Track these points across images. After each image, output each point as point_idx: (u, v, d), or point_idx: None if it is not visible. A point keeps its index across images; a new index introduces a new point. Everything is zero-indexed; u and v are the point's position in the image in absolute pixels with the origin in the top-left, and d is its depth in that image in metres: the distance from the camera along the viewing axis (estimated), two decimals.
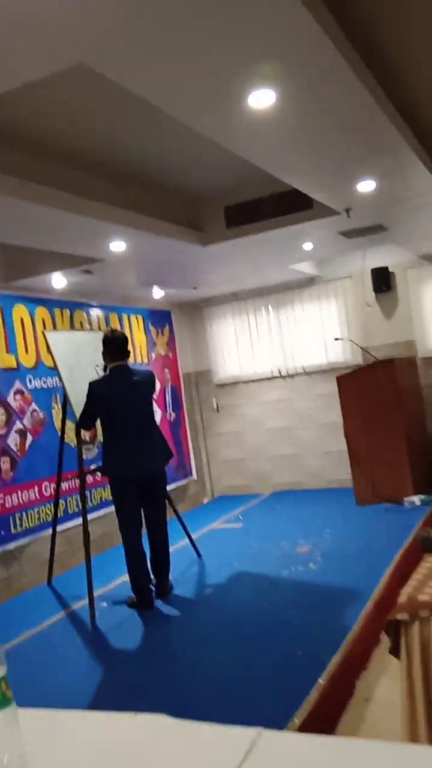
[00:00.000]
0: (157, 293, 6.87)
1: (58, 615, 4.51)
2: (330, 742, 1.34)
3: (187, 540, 5.46)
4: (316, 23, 2.10)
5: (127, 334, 6.73)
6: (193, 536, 5.55)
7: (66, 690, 3.32)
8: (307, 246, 5.56)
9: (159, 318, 7.48)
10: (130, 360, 4.64)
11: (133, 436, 4.46)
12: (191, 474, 7.68)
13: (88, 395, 4.45)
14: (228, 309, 7.91)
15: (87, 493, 5.89)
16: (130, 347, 4.71)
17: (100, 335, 5.08)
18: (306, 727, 2.61)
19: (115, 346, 4.54)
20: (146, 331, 7.21)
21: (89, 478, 5.86)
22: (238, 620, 4.01)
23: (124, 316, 6.89)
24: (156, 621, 4.22)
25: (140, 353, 7.01)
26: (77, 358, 4.97)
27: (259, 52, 2.27)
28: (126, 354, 4.58)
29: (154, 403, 4.80)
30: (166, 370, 7.48)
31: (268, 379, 7.75)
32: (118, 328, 6.62)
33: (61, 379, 4.81)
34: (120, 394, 4.46)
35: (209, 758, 1.19)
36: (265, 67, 2.39)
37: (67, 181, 3.82)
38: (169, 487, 6.88)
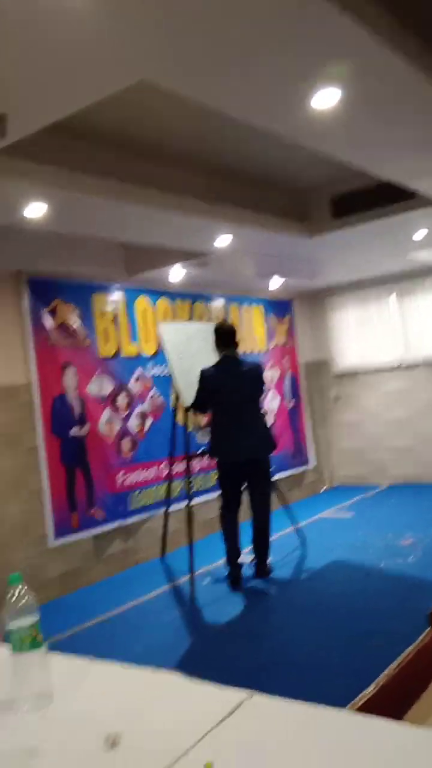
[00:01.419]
0: (276, 283, 6.98)
1: (164, 587, 4.85)
2: (313, 711, 1.46)
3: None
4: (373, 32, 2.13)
5: (247, 323, 6.93)
6: (304, 524, 5.67)
7: (155, 652, 3.62)
8: (421, 234, 5.42)
9: (280, 308, 7.59)
10: (249, 348, 4.81)
11: (235, 423, 4.66)
12: (309, 462, 7.76)
13: (200, 381, 4.71)
14: (349, 298, 7.83)
15: (204, 474, 6.19)
16: (244, 336, 4.87)
17: (211, 326, 5.31)
18: (367, 709, 2.66)
19: (224, 336, 4.77)
20: (266, 320, 7.35)
21: (206, 461, 6.16)
22: (326, 606, 4.11)
23: (244, 306, 7.08)
24: (248, 599, 4.42)
25: (259, 342, 7.16)
26: (187, 347, 5.25)
27: (327, 52, 2.32)
28: (234, 344, 4.79)
29: (265, 392, 4.92)
30: (286, 359, 7.58)
31: (389, 370, 7.62)
32: (238, 318, 6.83)
33: (170, 367, 5.11)
34: (226, 382, 4.68)
35: (201, 710, 1.37)
36: (333, 68, 2.45)
37: (168, 178, 4.04)
38: (285, 474, 7.04)
